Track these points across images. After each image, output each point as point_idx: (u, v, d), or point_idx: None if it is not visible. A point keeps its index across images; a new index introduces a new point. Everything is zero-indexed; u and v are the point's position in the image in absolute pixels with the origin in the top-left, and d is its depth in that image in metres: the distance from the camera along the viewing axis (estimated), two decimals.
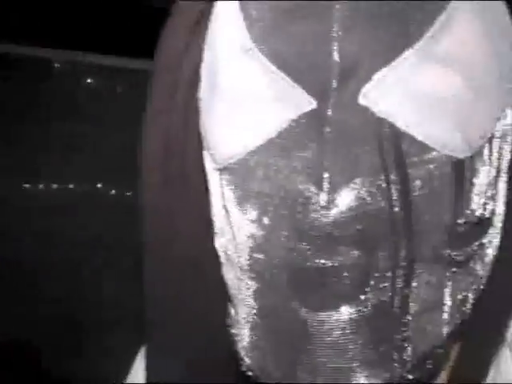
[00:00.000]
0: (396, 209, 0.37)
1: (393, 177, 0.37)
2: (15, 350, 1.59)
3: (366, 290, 0.38)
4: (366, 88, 0.37)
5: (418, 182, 0.37)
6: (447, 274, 0.40)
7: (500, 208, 0.42)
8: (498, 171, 0.41)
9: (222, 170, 0.41)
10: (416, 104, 0.37)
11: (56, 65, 1.72)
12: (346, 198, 0.37)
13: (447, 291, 0.40)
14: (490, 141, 0.40)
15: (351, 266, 0.37)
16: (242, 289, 0.41)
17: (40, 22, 1.60)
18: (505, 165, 0.42)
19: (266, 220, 0.39)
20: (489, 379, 0.44)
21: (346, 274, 0.37)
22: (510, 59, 0.41)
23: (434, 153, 0.37)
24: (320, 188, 0.37)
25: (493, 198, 0.41)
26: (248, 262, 0.40)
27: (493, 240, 0.42)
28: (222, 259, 0.43)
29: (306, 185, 0.37)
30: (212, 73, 0.42)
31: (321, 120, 0.37)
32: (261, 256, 0.39)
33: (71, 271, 1.65)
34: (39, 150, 1.69)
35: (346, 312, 0.38)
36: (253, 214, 0.39)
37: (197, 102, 0.44)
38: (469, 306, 0.41)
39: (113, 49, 1.59)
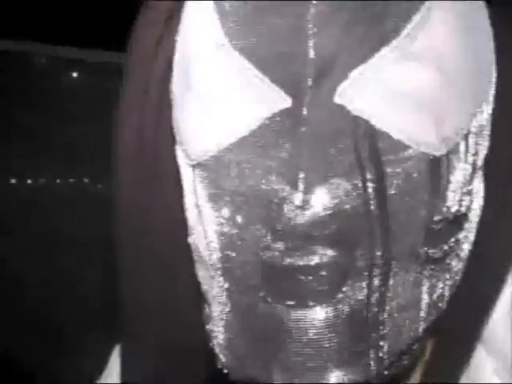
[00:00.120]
0: (372, 207, 0.37)
1: (369, 175, 0.37)
2: None
3: (342, 289, 0.37)
4: (342, 86, 0.37)
5: (394, 181, 0.37)
6: (424, 271, 0.39)
7: (476, 203, 0.42)
8: (474, 167, 0.41)
9: (195, 166, 0.40)
10: (392, 102, 0.37)
11: (40, 59, 1.71)
12: (321, 198, 0.36)
13: (424, 289, 0.40)
14: (465, 137, 0.40)
15: (327, 265, 0.37)
16: (215, 286, 0.41)
17: (23, 16, 1.59)
18: (481, 160, 0.41)
19: (239, 218, 0.38)
20: (464, 375, 0.44)
21: (322, 273, 0.37)
22: (486, 56, 0.41)
23: (410, 150, 0.37)
24: (295, 188, 0.36)
25: (469, 193, 0.41)
26: (220, 260, 0.40)
27: (468, 235, 0.42)
28: (195, 256, 0.43)
29: (281, 185, 0.36)
30: (185, 68, 0.41)
31: (296, 119, 0.36)
32: (233, 254, 0.39)
33: (49, 268, 1.65)
34: (22, 146, 1.68)
35: (322, 311, 0.38)
36: (226, 211, 0.38)
37: (170, 98, 0.43)
38: (445, 301, 0.41)
39: (98, 43, 1.58)
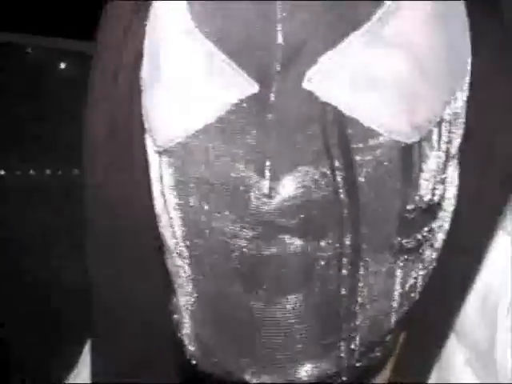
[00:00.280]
0: (342, 196, 0.36)
1: (337, 163, 0.36)
2: None
3: (311, 278, 0.37)
4: (311, 72, 0.36)
5: (364, 169, 0.36)
6: (397, 262, 0.39)
7: (450, 192, 0.41)
8: (448, 155, 0.40)
9: (162, 153, 0.39)
10: (362, 88, 0.36)
11: (29, 50, 1.70)
12: (288, 186, 0.36)
13: (397, 279, 0.39)
14: (439, 125, 0.39)
15: (295, 255, 0.36)
16: (181, 275, 0.40)
17: (12, 6, 1.57)
18: (455, 149, 0.41)
19: (205, 206, 0.37)
20: (436, 366, 0.43)
21: (290, 262, 0.36)
22: (461, 44, 0.40)
23: (381, 138, 0.36)
24: (262, 175, 0.35)
25: (442, 182, 0.40)
26: (187, 249, 0.39)
27: (443, 224, 0.41)
28: (162, 245, 0.42)
29: (248, 172, 0.36)
30: (154, 54, 0.40)
31: (263, 105, 0.36)
32: (200, 242, 0.38)
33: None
34: (11, 137, 1.67)
35: (290, 301, 0.37)
36: (192, 199, 0.38)
37: (140, 85, 0.42)
38: (417, 291, 0.41)
39: (87, 34, 1.57)
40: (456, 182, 0.41)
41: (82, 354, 0.55)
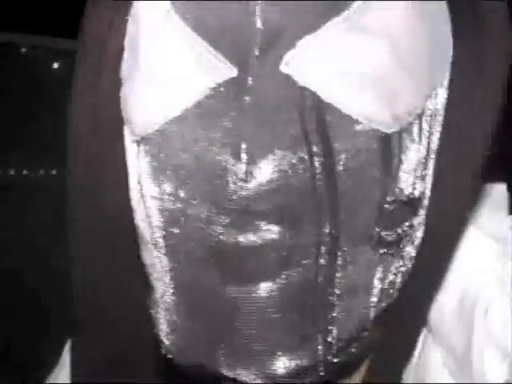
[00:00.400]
0: (319, 183, 0.36)
1: (315, 149, 0.35)
2: None
3: (287, 266, 0.36)
4: (289, 55, 0.35)
5: (343, 156, 0.36)
6: (376, 255, 0.38)
7: (429, 189, 0.41)
8: (428, 150, 0.40)
9: (140, 142, 0.39)
10: (340, 74, 0.36)
11: (23, 49, 1.70)
12: (265, 170, 0.35)
13: (376, 273, 0.39)
14: (419, 118, 0.39)
15: (272, 241, 0.36)
16: (157, 267, 0.39)
17: (5, 5, 1.57)
18: (434, 145, 0.40)
19: (181, 193, 0.37)
20: (413, 368, 0.43)
21: (266, 249, 0.36)
22: (441, 39, 0.40)
23: (360, 126, 0.36)
24: (238, 159, 0.35)
25: (423, 178, 0.40)
26: (162, 238, 0.38)
27: (423, 222, 0.41)
28: (138, 237, 0.42)
29: (224, 156, 0.35)
30: (134, 46, 0.40)
31: (241, 89, 0.35)
32: (176, 231, 0.37)
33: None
34: (4, 136, 1.67)
35: (266, 289, 0.36)
36: (168, 186, 0.37)
37: (120, 77, 0.42)
38: (396, 289, 0.40)
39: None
40: (432, 178, 0.41)
41: (61, 355, 0.54)
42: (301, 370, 0.37)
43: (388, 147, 0.37)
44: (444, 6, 0.41)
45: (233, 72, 0.36)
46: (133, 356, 0.47)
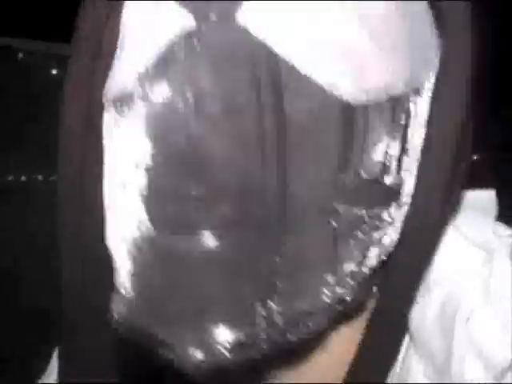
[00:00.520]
0: (269, 143, 0.35)
1: (268, 105, 0.35)
2: None
3: (234, 222, 0.35)
4: (245, 5, 0.35)
5: (296, 117, 0.35)
6: (336, 233, 0.37)
7: (408, 184, 0.40)
8: (403, 145, 0.39)
9: (115, 115, 0.39)
10: (301, 31, 0.35)
11: (20, 55, 1.70)
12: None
13: (333, 253, 0.37)
14: (394, 102, 0.38)
15: (221, 195, 0.35)
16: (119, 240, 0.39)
17: (3, 10, 1.58)
18: (414, 144, 0.40)
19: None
20: (394, 378, 0.41)
21: (216, 202, 0.35)
22: (424, 39, 0.40)
23: (319, 89, 0.35)
24: (187, 105, 0.35)
25: (397, 171, 0.39)
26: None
27: (396, 223, 0.40)
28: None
29: (177, 105, 0.35)
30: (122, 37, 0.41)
31: (196, 38, 0.35)
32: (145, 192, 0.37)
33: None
34: (3, 142, 1.67)
35: (211, 244, 0.35)
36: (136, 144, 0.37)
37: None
38: (359, 278, 0.38)
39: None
40: (415, 173, 0.40)
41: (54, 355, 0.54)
42: (243, 343, 0.36)
43: (350, 119, 0.36)
44: (425, 6, 0.41)
45: (190, 21, 0.36)
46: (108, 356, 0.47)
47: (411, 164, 0.40)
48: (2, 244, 1.65)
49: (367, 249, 0.39)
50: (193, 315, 0.36)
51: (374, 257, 0.39)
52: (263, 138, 0.35)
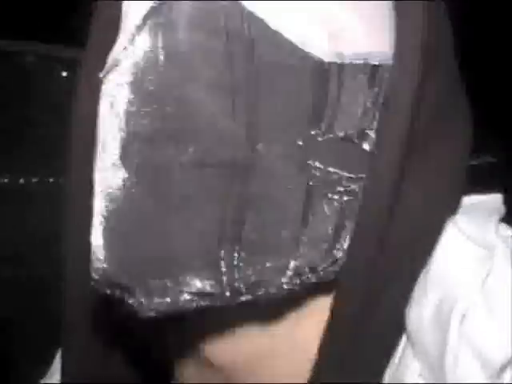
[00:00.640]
0: (239, 91, 0.36)
1: (237, 55, 0.36)
2: None
3: (202, 163, 0.36)
4: None
5: (267, 68, 0.36)
6: (306, 188, 0.37)
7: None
8: (375, 108, 0.39)
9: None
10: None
11: (29, 58, 1.71)
12: None
13: (303, 211, 0.37)
14: (373, 70, 0.38)
15: (191, 136, 0.36)
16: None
17: (12, 14, 1.59)
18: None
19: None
20: (389, 377, 0.41)
21: (185, 142, 0.36)
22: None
23: (289, 45, 0.36)
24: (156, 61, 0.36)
25: (377, 143, 0.38)
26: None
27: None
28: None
29: (154, 54, 0.36)
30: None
31: None
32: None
33: None
34: (13, 144, 1.68)
35: (180, 185, 0.36)
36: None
37: None
38: (330, 242, 0.38)
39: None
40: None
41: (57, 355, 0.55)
42: (207, 293, 0.36)
43: (323, 78, 0.37)
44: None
45: None
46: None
47: None
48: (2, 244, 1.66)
49: (342, 214, 0.38)
50: (161, 263, 0.36)
51: (347, 226, 0.39)
52: (234, 86, 0.36)
